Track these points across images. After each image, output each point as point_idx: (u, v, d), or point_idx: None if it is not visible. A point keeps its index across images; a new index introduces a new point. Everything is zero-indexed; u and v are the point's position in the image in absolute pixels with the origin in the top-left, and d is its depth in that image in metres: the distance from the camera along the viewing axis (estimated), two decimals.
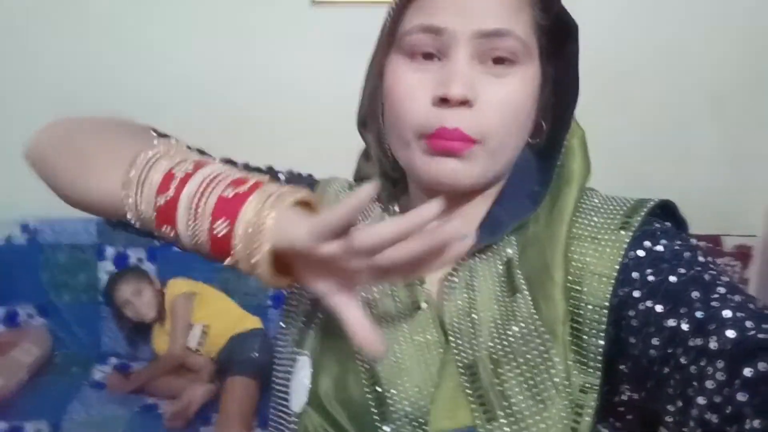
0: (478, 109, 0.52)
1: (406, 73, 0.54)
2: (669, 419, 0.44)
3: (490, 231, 0.56)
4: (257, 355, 2.02)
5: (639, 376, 0.47)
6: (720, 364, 0.40)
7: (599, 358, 0.49)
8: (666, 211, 0.55)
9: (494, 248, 0.56)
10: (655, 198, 0.54)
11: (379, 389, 0.53)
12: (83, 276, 2.27)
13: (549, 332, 0.50)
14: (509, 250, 0.55)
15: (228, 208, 0.47)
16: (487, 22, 0.51)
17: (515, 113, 0.53)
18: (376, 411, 0.52)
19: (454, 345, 0.53)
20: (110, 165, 0.54)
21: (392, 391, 0.52)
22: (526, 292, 0.52)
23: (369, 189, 0.42)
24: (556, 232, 0.53)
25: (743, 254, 2.37)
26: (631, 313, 0.48)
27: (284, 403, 0.60)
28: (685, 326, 0.44)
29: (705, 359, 0.41)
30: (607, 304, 0.49)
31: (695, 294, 0.45)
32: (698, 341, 0.42)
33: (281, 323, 0.66)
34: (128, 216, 0.53)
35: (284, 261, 0.48)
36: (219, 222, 0.47)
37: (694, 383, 0.41)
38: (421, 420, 0.51)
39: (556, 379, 0.48)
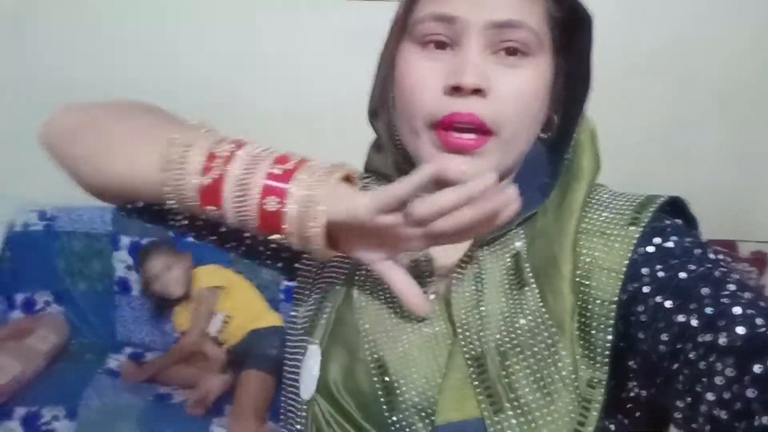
0: (491, 99, 0.52)
1: (417, 62, 0.54)
2: (678, 415, 0.44)
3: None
4: (275, 351, 2.02)
5: (648, 371, 0.47)
6: (729, 360, 0.40)
7: (607, 353, 0.48)
8: (675, 207, 0.55)
9: (502, 241, 0.56)
10: (666, 195, 0.54)
11: (387, 379, 0.53)
12: (98, 265, 2.30)
13: (557, 326, 0.50)
14: (518, 243, 0.55)
15: (277, 185, 0.49)
16: (500, 13, 0.51)
17: (528, 104, 0.53)
18: (384, 401, 0.53)
19: (461, 337, 0.53)
20: (141, 147, 0.54)
21: (400, 381, 0.53)
22: (534, 285, 0.52)
23: (428, 169, 0.47)
24: (565, 225, 0.53)
25: (760, 260, 2.33)
26: (641, 308, 0.47)
27: (294, 391, 0.60)
28: (694, 322, 0.43)
29: (714, 355, 0.41)
30: (615, 299, 0.49)
31: (705, 290, 0.45)
32: (708, 337, 0.42)
33: (292, 312, 0.67)
34: (168, 198, 0.53)
35: (330, 233, 0.50)
36: (269, 198, 0.49)
37: (704, 379, 0.41)
38: (428, 411, 0.51)
39: (564, 373, 0.48)
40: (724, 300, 0.44)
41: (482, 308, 0.53)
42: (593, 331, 0.49)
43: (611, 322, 0.49)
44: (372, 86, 0.63)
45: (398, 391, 0.52)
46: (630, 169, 1.91)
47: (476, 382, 0.50)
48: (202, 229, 0.66)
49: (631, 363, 0.49)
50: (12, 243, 2.25)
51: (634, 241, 0.50)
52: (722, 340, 0.41)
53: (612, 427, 0.51)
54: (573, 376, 0.48)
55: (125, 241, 2.29)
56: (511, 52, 0.52)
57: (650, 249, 0.50)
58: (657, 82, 2.25)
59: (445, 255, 0.57)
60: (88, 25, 2.23)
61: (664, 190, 0.54)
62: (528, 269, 0.53)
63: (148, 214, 0.64)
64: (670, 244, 0.50)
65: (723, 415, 0.40)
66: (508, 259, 0.55)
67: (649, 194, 0.54)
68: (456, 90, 0.51)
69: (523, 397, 0.48)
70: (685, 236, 0.50)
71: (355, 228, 0.50)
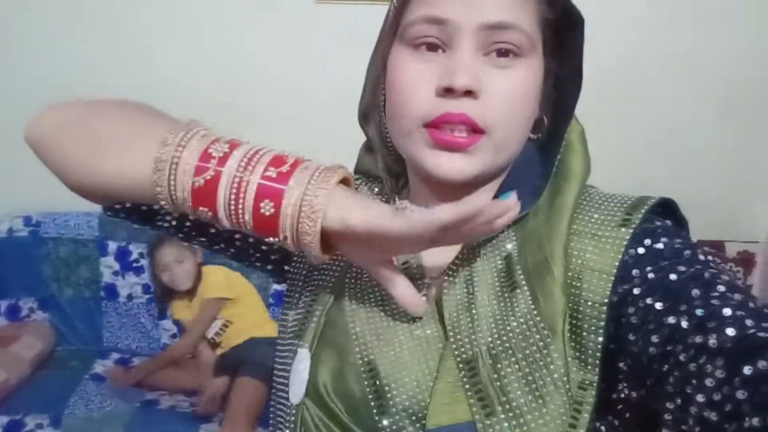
0: (483, 101, 0.52)
1: (409, 64, 0.54)
2: (668, 417, 0.44)
3: None
4: (271, 362, 2.00)
5: (638, 373, 0.47)
6: (720, 361, 0.40)
7: (598, 354, 0.48)
8: (666, 209, 0.55)
9: (494, 243, 0.56)
10: (656, 196, 0.54)
11: (378, 383, 0.53)
12: (85, 270, 2.27)
13: (548, 328, 0.50)
14: (509, 245, 0.55)
15: (272, 188, 0.48)
16: (491, 15, 0.51)
17: (520, 105, 0.53)
18: (374, 404, 0.52)
19: (453, 340, 0.52)
20: (132, 146, 0.53)
21: (391, 385, 0.52)
22: (525, 288, 0.52)
23: (475, 205, 0.44)
24: (556, 227, 0.53)
25: (746, 260, 2.37)
26: (631, 310, 0.48)
27: (283, 395, 0.60)
28: (684, 323, 0.44)
29: (704, 357, 0.41)
30: (606, 300, 0.49)
31: (695, 292, 0.45)
32: (698, 339, 0.42)
33: (281, 315, 0.66)
34: (160, 199, 0.51)
35: (325, 237, 0.50)
36: (265, 202, 0.48)
37: (694, 381, 0.41)
38: (419, 414, 0.51)
39: (555, 375, 0.48)
40: (714, 301, 0.44)
41: (473, 311, 0.53)
42: (584, 333, 0.49)
43: (602, 323, 0.49)
44: (363, 89, 0.62)
45: (389, 395, 0.52)
46: (628, 174, 1.94)
47: (467, 386, 0.50)
48: (191, 230, 0.65)
49: (621, 365, 0.49)
50: None
51: (625, 243, 0.50)
52: (712, 341, 0.41)
53: (603, 428, 0.51)
54: (564, 378, 0.48)
55: (112, 246, 2.27)
56: (503, 53, 0.52)
57: (641, 250, 0.50)
58: (656, 88, 2.28)
59: (436, 258, 0.57)
60: (78, 26, 2.21)
61: (662, 193, 0.55)
62: (519, 271, 0.53)
63: (136, 214, 0.63)
64: (660, 246, 0.50)
65: (713, 416, 0.40)
66: (499, 262, 0.55)
67: (641, 195, 0.55)
68: (448, 91, 0.51)
69: (515, 400, 0.48)
70: (675, 238, 0.51)
71: (352, 234, 0.48)
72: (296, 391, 0.57)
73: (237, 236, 0.65)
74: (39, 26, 2.21)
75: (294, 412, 0.57)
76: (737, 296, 0.44)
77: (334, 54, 2.16)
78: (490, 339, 0.51)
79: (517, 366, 0.49)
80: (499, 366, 0.50)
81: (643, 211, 0.52)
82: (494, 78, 0.52)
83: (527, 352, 0.50)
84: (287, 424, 0.58)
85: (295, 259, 0.67)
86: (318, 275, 0.64)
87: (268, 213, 0.48)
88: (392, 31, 0.56)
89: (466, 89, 0.50)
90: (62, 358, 2.21)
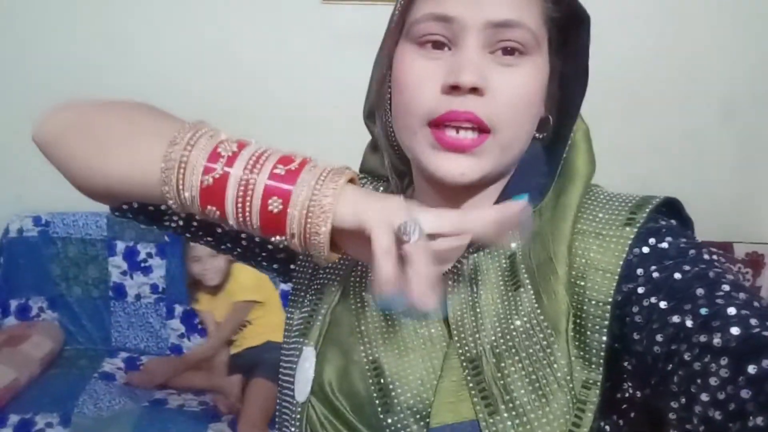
0: (489, 98, 0.51)
1: (415, 62, 0.54)
2: (672, 416, 0.44)
3: None
4: None
5: (643, 372, 0.47)
6: (724, 361, 0.40)
7: (602, 354, 0.49)
8: (671, 209, 0.55)
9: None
10: (661, 196, 0.54)
11: (383, 381, 0.53)
12: (93, 270, 2.28)
13: (551, 327, 0.50)
14: (513, 245, 0.55)
15: (281, 186, 0.48)
16: (497, 12, 0.51)
17: (525, 103, 0.53)
18: (379, 402, 0.53)
19: (457, 339, 0.53)
20: (140, 146, 0.53)
21: (396, 383, 0.53)
22: (529, 287, 0.52)
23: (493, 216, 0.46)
24: (561, 226, 0.53)
25: (755, 261, 2.35)
26: (635, 309, 0.47)
27: (289, 393, 0.60)
28: (689, 323, 0.43)
29: (709, 356, 0.41)
30: (610, 300, 0.49)
31: (700, 291, 0.45)
32: (702, 338, 0.42)
33: (287, 314, 0.67)
34: (166, 197, 0.51)
35: (334, 236, 0.49)
36: (273, 199, 0.47)
37: (698, 380, 0.41)
38: (423, 413, 0.51)
39: (559, 374, 0.48)
40: (719, 300, 0.44)
41: (477, 310, 0.53)
42: (588, 332, 0.49)
43: (606, 323, 0.49)
44: (368, 87, 0.62)
45: (393, 393, 0.52)
46: (634, 176, 1.93)
47: (471, 384, 0.50)
48: (198, 230, 0.65)
49: (626, 364, 0.49)
50: (6, 249, 2.24)
51: (629, 242, 0.50)
52: (717, 340, 0.41)
53: (607, 428, 0.51)
54: (568, 377, 0.48)
55: (120, 246, 2.28)
56: (509, 51, 0.52)
57: (645, 250, 0.50)
58: (661, 90, 2.27)
59: None
60: (83, 27, 2.22)
61: (669, 194, 0.55)
62: (523, 270, 0.53)
63: (143, 214, 0.64)
64: (664, 245, 0.50)
65: (717, 415, 0.40)
66: (504, 261, 0.55)
67: (645, 195, 0.54)
68: (454, 89, 0.51)
69: (518, 398, 0.48)
70: (679, 237, 0.50)
71: (360, 234, 0.48)
72: (302, 389, 0.57)
73: (243, 236, 0.66)
74: (46, 28, 2.23)
75: (299, 410, 0.57)
76: (742, 295, 0.44)
77: (339, 53, 2.16)
78: (493, 338, 0.51)
79: (520, 365, 0.49)
80: (503, 365, 0.50)
81: (647, 210, 0.52)
82: (500, 76, 0.52)
83: (531, 351, 0.50)
84: (293, 422, 0.58)
85: (300, 258, 0.67)
86: (323, 274, 0.64)
87: (276, 210, 0.48)
88: (398, 29, 0.56)
89: (472, 86, 0.50)
90: (71, 357, 2.23)
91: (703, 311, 0.43)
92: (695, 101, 2.28)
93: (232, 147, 0.50)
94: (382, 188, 0.68)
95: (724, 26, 2.22)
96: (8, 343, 2.05)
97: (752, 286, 2.32)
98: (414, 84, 0.53)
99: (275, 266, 0.70)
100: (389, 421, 0.52)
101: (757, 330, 0.40)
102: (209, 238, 0.66)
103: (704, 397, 0.40)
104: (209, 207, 0.50)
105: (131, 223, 0.67)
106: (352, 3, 2.18)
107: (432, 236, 0.45)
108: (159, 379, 2.07)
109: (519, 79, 0.53)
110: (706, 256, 0.49)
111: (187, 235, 0.66)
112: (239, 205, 0.49)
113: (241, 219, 0.50)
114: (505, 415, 0.48)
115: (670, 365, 0.44)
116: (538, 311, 0.51)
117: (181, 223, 0.64)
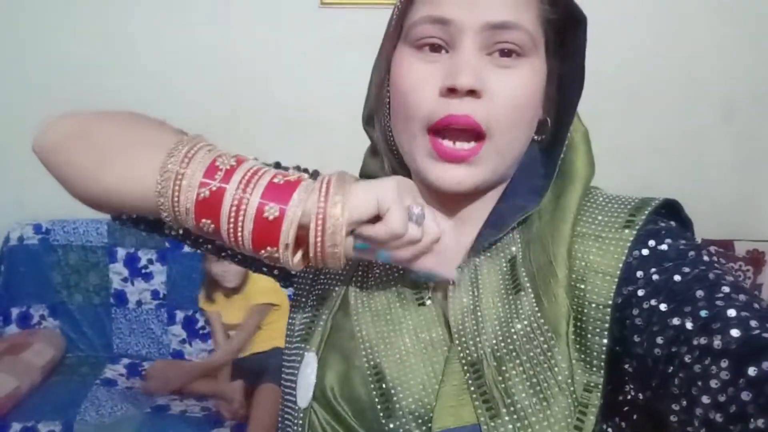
0: (486, 100, 0.52)
1: (413, 65, 0.54)
2: (673, 419, 0.44)
3: (495, 227, 0.56)
4: None
5: (643, 375, 0.47)
6: (724, 363, 0.40)
7: (603, 356, 0.48)
8: (671, 210, 0.55)
9: (498, 246, 0.56)
10: (660, 197, 0.54)
11: (384, 386, 0.53)
12: (94, 277, 2.29)
13: (552, 330, 0.50)
14: (513, 248, 0.55)
15: (279, 195, 0.48)
16: (494, 14, 0.51)
17: (523, 105, 0.53)
18: (380, 407, 0.52)
19: (458, 342, 0.53)
20: (139, 157, 0.53)
21: (397, 388, 0.53)
22: (530, 290, 0.52)
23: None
24: (560, 229, 0.53)
25: (755, 259, 2.35)
26: (635, 311, 0.47)
27: (291, 399, 0.60)
28: (689, 325, 0.43)
29: (709, 358, 0.41)
30: (610, 302, 0.49)
31: (700, 293, 0.45)
32: (703, 340, 0.42)
33: (288, 319, 0.67)
34: (160, 209, 0.51)
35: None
36: (270, 205, 0.48)
37: (699, 382, 0.41)
38: (425, 417, 0.51)
39: (560, 378, 0.48)
40: (719, 302, 0.44)
41: (478, 314, 0.53)
42: (589, 335, 0.49)
43: (606, 325, 0.49)
44: (367, 91, 0.63)
45: (395, 398, 0.52)
46: (635, 177, 1.94)
47: (473, 388, 0.50)
48: (198, 237, 0.66)
49: (626, 366, 0.48)
50: (7, 257, 2.24)
51: (629, 244, 0.50)
52: (717, 342, 0.41)
53: (609, 430, 0.51)
54: (569, 380, 0.48)
55: (121, 253, 2.29)
56: (506, 53, 0.52)
57: (645, 252, 0.50)
58: (662, 90, 2.27)
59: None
60: (83, 27, 2.23)
61: (670, 193, 0.55)
62: (524, 274, 0.53)
63: (143, 222, 0.64)
64: (664, 247, 0.50)
65: (718, 418, 0.40)
66: (504, 264, 0.55)
67: (644, 197, 0.54)
68: (451, 91, 0.51)
69: (520, 402, 0.48)
70: (679, 239, 0.50)
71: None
72: (303, 395, 0.57)
73: None
74: (47, 34, 2.23)
75: (302, 415, 0.57)
76: (742, 297, 0.44)
77: (338, 56, 2.17)
78: (494, 341, 0.51)
79: (521, 368, 0.49)
80: (504, 368, 0.50)
81: (646, 212, 0.52)
82: (497, 78, 0.52)
83: (531, 354, 0.50)
84: (295, 428, 0.58)
85: None
86: (324, 279, 0.64)
87: (272, 217, 0.48)
88: (396, 33, 0.57)
89: (469, 88, 0.50)
90: (73, 364, 2.23)
91: (703, 313, 0.43)
92: (695, 101, 2.29)
93: (231, 161, 0.50)
94: None
95: (724, 26, 2.23)
96: (9, 352, 2.05)
97: (753, 284, 2.32)
98: (412, 87, 0.54)
99: (276, 272, 0.70)
100: (391, 426, 0.52)
101: (757, 332, 0.40)
102: (209, 245, 0.67)
103: (705, 399, 0.40)
104: (204, 220, 0.50)
105: (132, 229, 0.67)
106: (349, 6, 2.19)
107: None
108: (174, 385, 2.06)
109: (516, 80, 0.53)
110: (705, 258, 0.49)
111: (188, 242, 0.66)
112: (232, 218, 0.49)
113: (233, 236, 0.50)
114: (507, 418, 0.48)
115: (671, 368, 0.44)
116: (539, 314, 0.51)
117: (181, 231, 0.64)
